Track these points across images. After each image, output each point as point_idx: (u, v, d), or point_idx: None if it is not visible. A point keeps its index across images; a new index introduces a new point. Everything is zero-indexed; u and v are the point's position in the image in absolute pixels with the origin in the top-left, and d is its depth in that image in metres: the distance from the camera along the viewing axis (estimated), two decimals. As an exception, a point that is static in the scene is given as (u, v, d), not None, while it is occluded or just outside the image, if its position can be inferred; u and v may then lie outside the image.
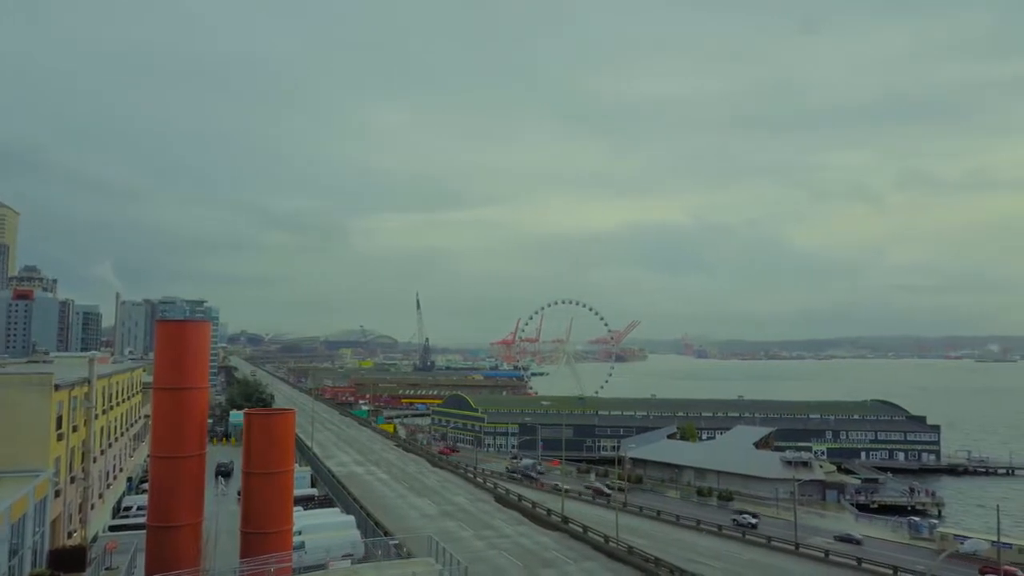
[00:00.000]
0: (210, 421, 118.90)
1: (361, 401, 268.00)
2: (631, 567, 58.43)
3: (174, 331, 42.08)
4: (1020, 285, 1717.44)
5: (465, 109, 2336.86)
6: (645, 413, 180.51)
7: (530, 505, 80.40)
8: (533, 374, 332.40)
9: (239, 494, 47.82)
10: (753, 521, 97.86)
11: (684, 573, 55.28)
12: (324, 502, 73.38)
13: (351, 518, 58.75)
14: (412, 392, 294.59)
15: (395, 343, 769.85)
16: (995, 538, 74.90)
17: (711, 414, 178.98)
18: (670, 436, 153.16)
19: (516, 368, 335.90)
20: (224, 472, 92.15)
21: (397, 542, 51.36)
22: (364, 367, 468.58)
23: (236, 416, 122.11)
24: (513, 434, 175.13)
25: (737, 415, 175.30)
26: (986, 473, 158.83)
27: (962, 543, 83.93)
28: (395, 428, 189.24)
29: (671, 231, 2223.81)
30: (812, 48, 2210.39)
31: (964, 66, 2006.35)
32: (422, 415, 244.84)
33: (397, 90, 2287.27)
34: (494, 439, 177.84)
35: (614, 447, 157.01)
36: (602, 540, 65.08)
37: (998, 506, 79.99)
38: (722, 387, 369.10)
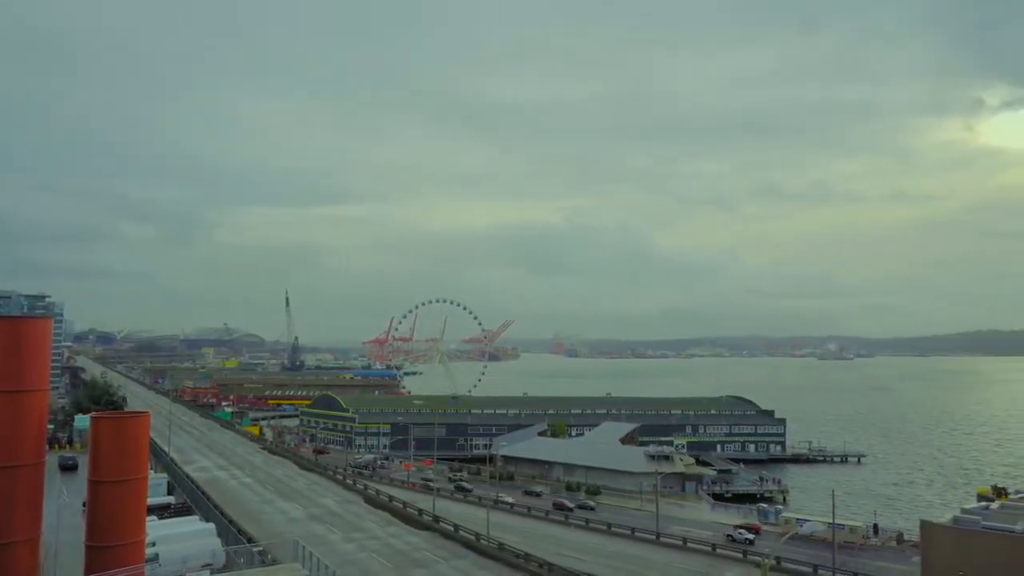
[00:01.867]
0: (51, 427, 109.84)
1: (224, 403, 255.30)
2: (502, 563, 59.26)
3: (7, 329, 38.41)
4: (854, 290, 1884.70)
5: (342, 104, 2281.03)
6: (517, 411, 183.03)
7: (401, 505, 79.74)
8: (406, 373, 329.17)
9: (84, 505, 44.35)
10: (751, 536, 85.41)
11: (552, 567, 56.68)
12: (182, 510, 69.39)
13: (211, 526, 55.95)
14: (280, 393, 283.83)
15: (262, 342, 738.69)
16: (831, 520, 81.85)
17: (580, 411, 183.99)
18: (541, 433, 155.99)
19: (389, 367, 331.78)
20: (70, 466, 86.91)
21: (261, 548, 49.44)
22: (228, 367, 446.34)
23: (82, 420, 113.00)
24: (385, 434, 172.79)
25: (605, 412, 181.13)
26: (824, 461, 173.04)
27: (801, 526, 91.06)
28: (261, 430, 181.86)
29: (545, 232, 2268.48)
30: (682, 61, 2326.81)
31: (810, 88, 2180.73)
32: (290, 416, 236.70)
33: (269, 81, 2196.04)
34: (366, 439, 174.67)
35: (486, 445, 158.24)
36: (473, 538, 65.56)
37: (833, 491, 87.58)
38: (591, 385, 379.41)
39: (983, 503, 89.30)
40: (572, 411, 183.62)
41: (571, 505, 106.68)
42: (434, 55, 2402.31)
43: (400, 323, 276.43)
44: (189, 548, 48.99)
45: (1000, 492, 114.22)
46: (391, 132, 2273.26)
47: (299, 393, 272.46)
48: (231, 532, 56.73)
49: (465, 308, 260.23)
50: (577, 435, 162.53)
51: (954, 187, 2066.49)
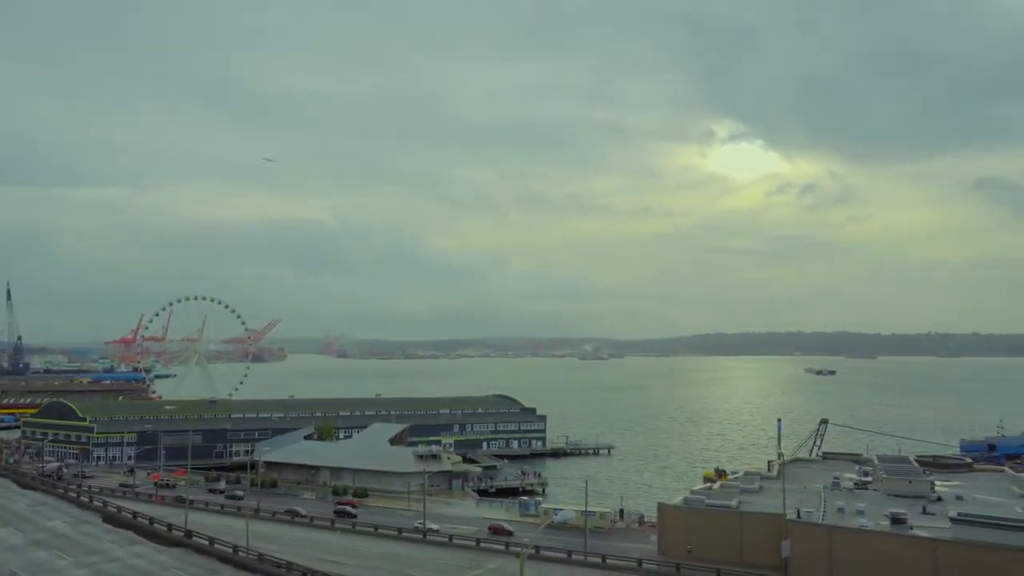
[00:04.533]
0: None
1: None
2: (261, 575, 56.53)
3: None
4: (608, 295, 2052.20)
5: (75, 73, 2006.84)
6: (282, 415, 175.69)
7: (147, 521, 72.90)
8: (157, 376, 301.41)
9: None
10: None
11: (315, 574, 55.24)
12: None
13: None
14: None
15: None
16: (583, 508, 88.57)
17: (349, 413, 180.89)
18: (307, 437, 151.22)
19: (137, 370, 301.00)
20: None
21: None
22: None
23: None
24: (131, 444, 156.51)
25: (374, 413, 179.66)
26: (580, 454, 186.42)
27: (556, 515, 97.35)
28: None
29: (315, 229, 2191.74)
30: (453, 68, 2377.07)
31: (570, 106, 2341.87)
32: (10, 428, 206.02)
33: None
34: (107, 451, 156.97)
35: (248, 451, 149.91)
36: (231, 551, 61.89)
37: (586, 481, 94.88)
38: (361, 386, 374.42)
39: (708, 484, 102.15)
40: (341, 413, 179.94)
41: (509, 529, 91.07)
42: (199, 37, 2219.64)
43: (151, 321, 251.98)
44: None
45: (721, 474, 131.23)
46: (147, 112, 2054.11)
47: (22, 400, 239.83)
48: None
49: (227, 306, 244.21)
50: (346, 437, 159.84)
51: (691, 206, 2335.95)
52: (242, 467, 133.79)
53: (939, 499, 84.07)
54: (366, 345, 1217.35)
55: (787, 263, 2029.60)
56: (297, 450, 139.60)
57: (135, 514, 76.56)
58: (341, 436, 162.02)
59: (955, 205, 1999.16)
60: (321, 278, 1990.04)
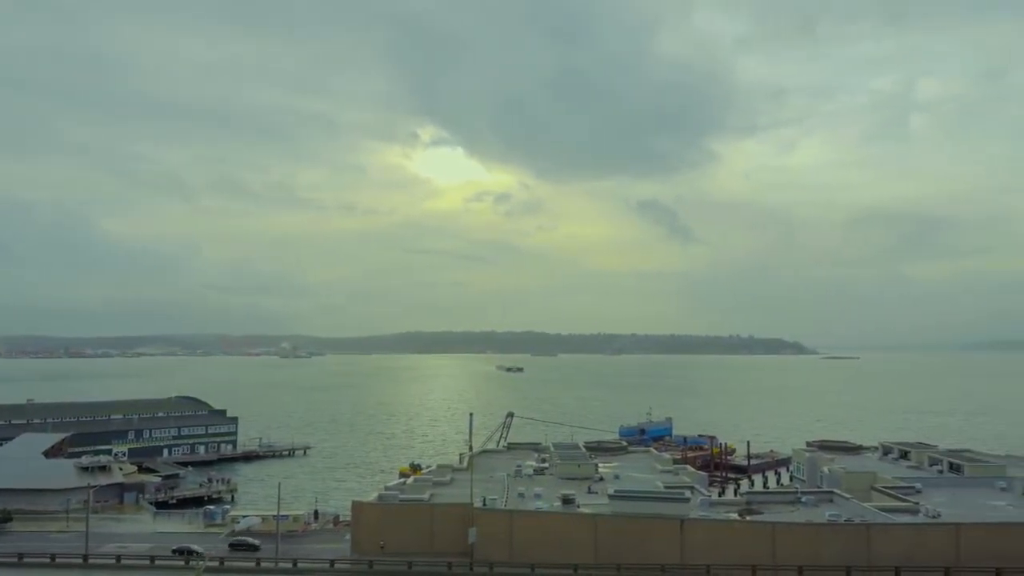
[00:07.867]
0: None
1: None
2: None
3: None
4: (310, 291, 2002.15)
5: None
6: None
7: None
8: None
9: None
10: None
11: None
12: None
13: None
14: None
15: None
16: (275, 512, 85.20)
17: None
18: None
19: None
20: None
21: None
22: None
23: None
24: None
25: (24, 422, 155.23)
26: (274, 456, 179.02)
27: (239, 522, 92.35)
28: None
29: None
30: (144, 34, 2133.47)
31: (276, 93, 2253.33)
32: None
33: None
34: None
35: None
36: None
37: (279, 483, 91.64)
38: (7, 390, 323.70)
39: (402, 479, 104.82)
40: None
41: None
42: None
43: None
44: None
45: (416, 468, 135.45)
46: None
47: None
48: None
49: None
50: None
51: (394, 205, 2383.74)
52: None
53: (602, 479, 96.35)
54: (17, 342, 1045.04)
55: (483, 266, 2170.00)
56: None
57: None
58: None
59: (622, 221, 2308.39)
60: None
